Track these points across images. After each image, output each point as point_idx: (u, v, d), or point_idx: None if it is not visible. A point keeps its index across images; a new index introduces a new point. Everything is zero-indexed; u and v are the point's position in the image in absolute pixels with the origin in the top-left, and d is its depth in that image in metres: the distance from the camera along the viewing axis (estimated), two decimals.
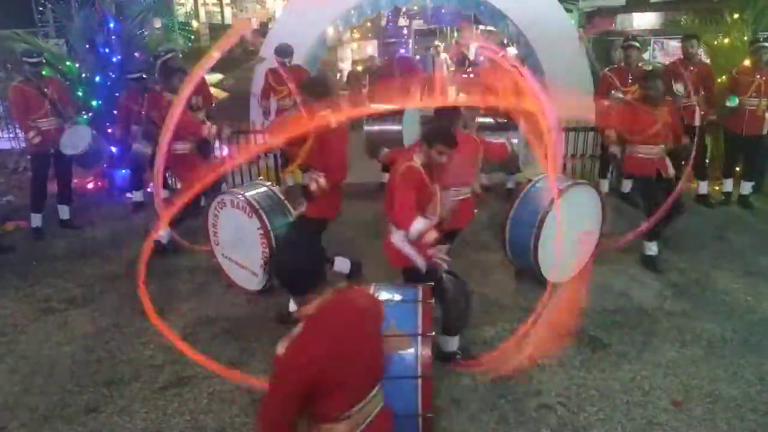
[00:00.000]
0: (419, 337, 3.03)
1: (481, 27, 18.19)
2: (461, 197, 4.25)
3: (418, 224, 3.35)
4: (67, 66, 7.65)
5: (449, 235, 4.24)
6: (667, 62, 7.73)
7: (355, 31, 16.26)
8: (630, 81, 6.36)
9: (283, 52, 6.87)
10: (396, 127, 5.69)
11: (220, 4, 19.63)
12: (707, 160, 6.85)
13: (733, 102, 6.21)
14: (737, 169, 6.79)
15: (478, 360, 3.70)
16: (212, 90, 8.28)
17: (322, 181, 4.12)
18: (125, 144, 6.95)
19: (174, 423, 3.46)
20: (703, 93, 6.39)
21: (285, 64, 6.90)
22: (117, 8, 7.81)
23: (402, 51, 9.64)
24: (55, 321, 4.64)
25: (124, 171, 7.55)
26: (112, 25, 7.57)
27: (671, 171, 5.15)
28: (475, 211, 4.58)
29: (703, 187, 6.72)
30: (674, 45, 8.21)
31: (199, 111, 5.72)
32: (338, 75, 14.98)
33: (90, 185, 7.90)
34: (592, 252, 4.94)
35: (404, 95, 4.86)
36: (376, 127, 5.81)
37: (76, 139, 6.08)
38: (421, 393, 2.93)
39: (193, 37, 11.63)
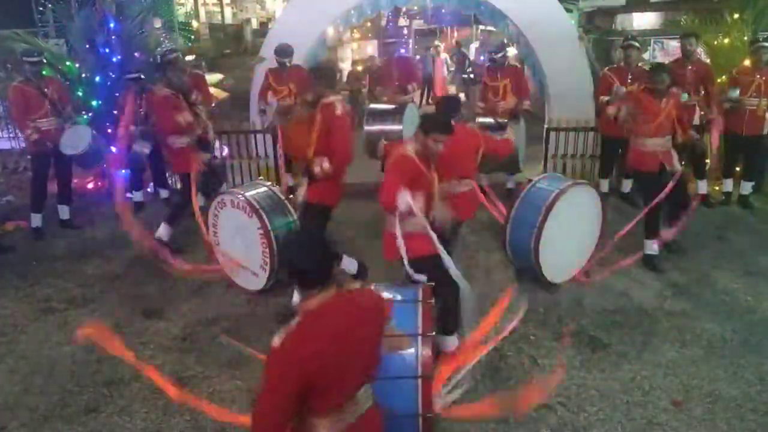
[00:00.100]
0: (419, 337, 3.03)
1: (481, 27, 18.24)
2: (462, 189, 4.24)
3: (404, 195, 3.28)
4: (67, 66, 7.65)
5: (454, 227, 4.23)
6: (666, 62, 7.72)
7: (355, 31, 16.27)
8: (630, 81, 6.37)
9: (283, 52, 6.87)
10: (396, 127, 5.69)
11: (220, 4, 19.64)
12: (707, 160, 6.85)
13: (734, 93, 6.20)
14: (737, 169, 6.79)
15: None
16: (212, 90, 8.28)
17: (326, 165, 4.17)
18: (125, 144, 6.96)
19: (174, 423, 3.45)
20: (702, 92, 6.40)
21: (285, 65, 6.90)
22: (117, 8, 7.81)
23: (402, 51, 9.59)
24: (55, 321, 4.64)
25: (124, 171, 7.55)
26: (112, 25, 7.57)
27: (677, 165, 5.08)
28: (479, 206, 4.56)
29: (703, 187, 6.72)
30: (674, 45, 8.20)
31: (197, 106, 5.71)
32: (338, 75, 14.98)
33: (90, 185, 7.91)
34: (592, 252, 4.95)
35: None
36: (376, 127, 5.81)
37: (76, 139, 6.08)
38: (421, 393, 2.93)
39: (193, 37, 11.64)
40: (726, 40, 7.34)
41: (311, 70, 4.63)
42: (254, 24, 19.18)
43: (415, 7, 17.42)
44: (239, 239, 4.80)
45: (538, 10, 7.46)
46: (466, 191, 4.26)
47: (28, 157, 6.71)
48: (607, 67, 6.90)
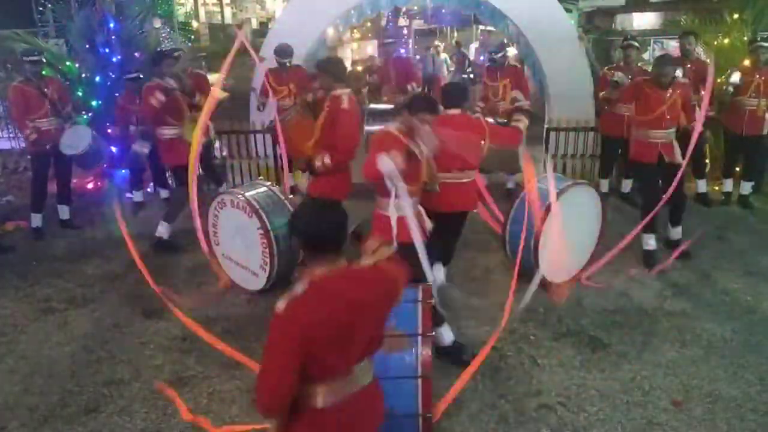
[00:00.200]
0: (419, 337, 3.03)
1: (481, 27, 18.24)
2: (465, 180, 4.22)
3: (385, 158, 3.10)
4: (67, 66, 7.66)
5: (457, 218, 4.21)
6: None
7: (355, 31, 16.28)
8: (629, 81, 6.35)
9: (283, 52, 6.87)
10: None
11: (220, 4, 19.66)
12: (707, 160, 6.85)
13: (735, 79, 6.19)
14: (737, 169, 6.80)
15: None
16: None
17: (327, 160, 4.16)
18: (124, 144, 6.96)
19: (174, 423, 3.45)
20: (702, 92, 6.39)
21: (285, 65, 6.90)
22: (117, 8, 7.82)
23: (402, 51, 9.60)
24: (55, 321, 4.64)
25: (123, 171, 7.56)
26: (112, 25, 7.58)
27: (678, 158, 5.05)
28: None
29: (702, 186, 6.73)
30: (674, 45, 8.21)
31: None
32: (347, 70, 14.97)
33: (90, 185, 7.91)
34: (592, 252, 4.95)
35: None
36: (376, 128, 5.80)
37: (76, 139, 6.07)
38: (421, 393, 2.93)
39: (193, 37, 11.65)
40: (726, 40, 7.35)
41: (319, 62, 4.62)
42: (254, 24, 19.20)
43: (415, 7, 17.43)
44: (239, 239, 4.80)
45: (538, 10, 7.46)
46: (468, 182, 4.25)
47: (28, 157, 6.71)
48: (606, 67, 6.91)
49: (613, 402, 3.52)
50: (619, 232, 5.41)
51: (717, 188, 6.98)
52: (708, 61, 6.11)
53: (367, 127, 5.91)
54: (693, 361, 3.89)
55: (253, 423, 3.29)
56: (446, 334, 3.85)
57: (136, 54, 7.72)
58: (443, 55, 15.63)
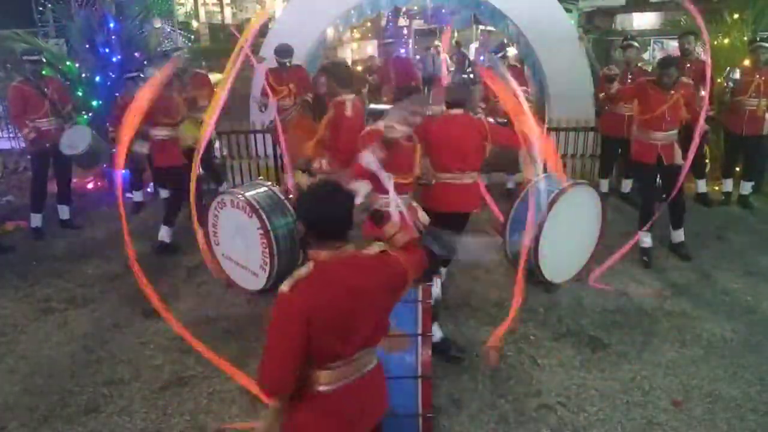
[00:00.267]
0: (419, 337, 3.03)
1: (481, 27, 18.23)
2: (467, 181, 4.22)
3: (367, 153, 3.16)
4: (67, 66, 7.65)
5: (457, 219, 4.21)
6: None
7: (355, 31, 16.26)
8: (629, 80, 6.37)
9: (283, 52, 6.87)
10: None
11: (220, 4, 19.67)
12: (707, 160, 6.85)
13: (735, 74, 6.19)
14: (737, 169, 6.79)
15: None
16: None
17: (326, 165, 4.16)
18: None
19: (174, 423, 3.45)
20: (702, 91, 6.39)
21: (285, 65, 6.90)
22: (117, 8, 7.82)
23: (402, 51, 9.59)
24: (55, 321, 4.64)
25: (123, 171, 7.55)
26: (112, 25, 7.57)
27: (678, 159, 5.05)
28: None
29: (702, 186, 6.73)
30: (674, 45, 8.20)
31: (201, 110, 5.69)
32: (352, 75, 14.96)
33: (90, 185, 7.91)
34: (592, 252, 4.95)
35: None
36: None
37: (76, 139, 6.07)
38: (421, 393, 2.93)
39: (193, 37, 11.66)
40: (726, 40, 7.35)
41: (325, 67, 4.64)
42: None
43: (415, 7, 17.41)
44: (239, 239, 4.80)
45: (538, 10, 7.46)
46: (470, 183, 4.25)
47: (28, 157, 6.71)
48: (606, 67, 6.90)
49: (613, 402, 3.52)
50: (619, 232, 5.42)
51: (717, 188, 6.98)
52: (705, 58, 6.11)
53: (367, 128, 5.90)
54: (693, 361, 3.90)
55: (254, 423, 3.29)
56: (436, 333, 3.85)
57: (136, 54, 7.72)
58: (443, 55, 15.62)
